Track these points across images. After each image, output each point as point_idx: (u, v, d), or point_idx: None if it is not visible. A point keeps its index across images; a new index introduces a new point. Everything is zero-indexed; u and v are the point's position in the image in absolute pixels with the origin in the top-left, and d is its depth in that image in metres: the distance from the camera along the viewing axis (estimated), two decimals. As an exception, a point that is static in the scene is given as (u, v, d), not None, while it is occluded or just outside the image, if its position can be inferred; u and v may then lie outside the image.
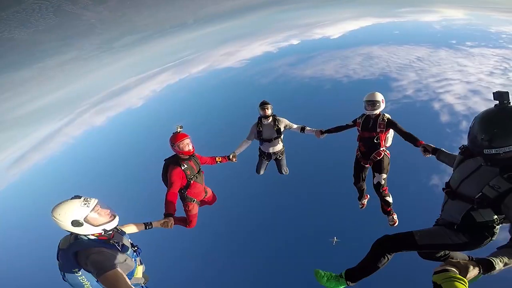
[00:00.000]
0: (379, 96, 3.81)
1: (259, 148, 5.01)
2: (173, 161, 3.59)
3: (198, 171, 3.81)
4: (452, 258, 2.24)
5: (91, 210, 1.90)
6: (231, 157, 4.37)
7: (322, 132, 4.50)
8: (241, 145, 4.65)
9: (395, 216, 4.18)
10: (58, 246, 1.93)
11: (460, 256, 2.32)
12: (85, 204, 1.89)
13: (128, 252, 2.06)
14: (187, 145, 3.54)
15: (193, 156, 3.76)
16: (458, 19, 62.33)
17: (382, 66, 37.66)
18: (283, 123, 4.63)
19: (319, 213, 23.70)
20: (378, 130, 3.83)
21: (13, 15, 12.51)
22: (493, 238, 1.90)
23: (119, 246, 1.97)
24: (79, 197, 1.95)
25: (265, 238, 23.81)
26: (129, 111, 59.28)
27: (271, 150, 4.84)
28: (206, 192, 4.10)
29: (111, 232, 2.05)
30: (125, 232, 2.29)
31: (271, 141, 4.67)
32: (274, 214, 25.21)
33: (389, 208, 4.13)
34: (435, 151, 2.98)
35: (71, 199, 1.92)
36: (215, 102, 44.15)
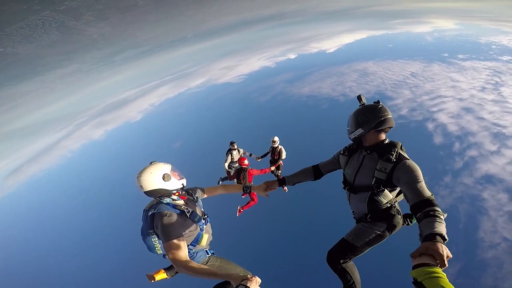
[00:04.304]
0: (276, 138, 7.16)
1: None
2: None
3: None
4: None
5: (171, 167, 2.16)
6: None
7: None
8: None
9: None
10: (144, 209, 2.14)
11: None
12: (165, 163, 2.16)
13: (196, 219, 2.11)
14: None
15: None
16: (449, 29, 61.81)
17: (377, 84, 37.51)
18: None
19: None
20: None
21: (16, 31, 12.94)
22: (400, 215, 2.12)
23: (188, 213, 2.06)
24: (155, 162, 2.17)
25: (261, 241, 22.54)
26: (128, 125, 58.80)
27: None
28: None
29: (184, 192, 2.27)
30: (199, 199, 2.40)
31: None
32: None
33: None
34: (283, 181, 2.64)
35: (150, 163, 2.14)
36: (214, 121, 43.13)
